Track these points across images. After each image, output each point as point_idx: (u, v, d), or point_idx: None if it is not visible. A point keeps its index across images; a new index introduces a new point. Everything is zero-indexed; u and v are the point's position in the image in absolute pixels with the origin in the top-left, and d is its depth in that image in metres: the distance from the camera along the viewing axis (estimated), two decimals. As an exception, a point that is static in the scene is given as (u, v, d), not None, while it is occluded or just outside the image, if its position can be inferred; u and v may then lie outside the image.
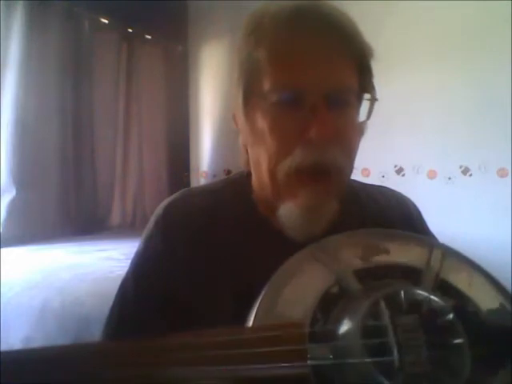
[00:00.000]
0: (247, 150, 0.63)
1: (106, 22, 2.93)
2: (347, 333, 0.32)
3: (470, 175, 2.29)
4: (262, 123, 0.55)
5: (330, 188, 0.55)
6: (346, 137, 0.56)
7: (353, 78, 0.56)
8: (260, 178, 0.61)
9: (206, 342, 0.33)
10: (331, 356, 0.31)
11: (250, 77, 0.56)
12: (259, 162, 0.58)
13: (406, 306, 0.33)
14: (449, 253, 0.42)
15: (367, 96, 0.58)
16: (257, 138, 0.57)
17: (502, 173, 2.20)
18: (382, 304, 0.33)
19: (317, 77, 0.53)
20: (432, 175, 2.40)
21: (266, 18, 0.55)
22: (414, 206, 0.72)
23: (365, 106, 0.60)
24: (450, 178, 2.35)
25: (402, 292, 0.34)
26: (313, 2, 0.55)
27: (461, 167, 2.31)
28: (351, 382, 0.30)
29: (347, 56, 0.54)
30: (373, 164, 2.56)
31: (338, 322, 0.32)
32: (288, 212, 0.55)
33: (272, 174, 0.56)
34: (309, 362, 0.31)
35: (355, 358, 0.30)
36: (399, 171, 2.52)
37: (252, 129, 0.58)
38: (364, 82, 0.57)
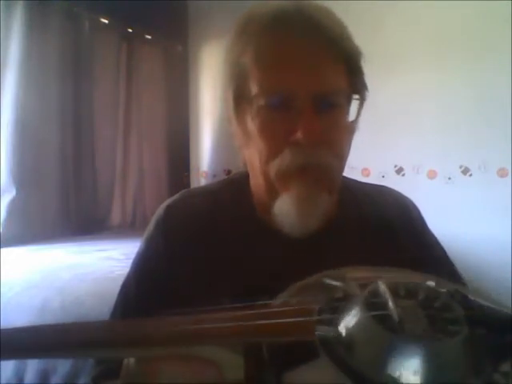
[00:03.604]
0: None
1: (106, 22, 2.93)
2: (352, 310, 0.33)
3: (470, 175, 2.29)
4: (251, 126, 0.56)
5: (321, 182, 0.56)
6: (334, 138, 0.56)
7: (341, 80, 0.56)
8: (255, 178, 0.62)
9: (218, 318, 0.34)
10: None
11: (238, 81, 0.57)
12: (252, 163, 0.59)
13: (404, 293, 0.34)
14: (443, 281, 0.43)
15: (356, 96, 0.58)
16: (248, 140, 0.58)
17: (501, 173, 2.20)
18: (382, 285, 0.34)
19: (303, 80, 0.53)
20: (432, 175, 2.40)
21: (253, 21, 0.56)
22: (414, 205, 0.72)
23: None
24: (449, 178, 2.35)
25: (401, 281, 0.35)
26: (299, 4, 0.55)
27: (461, 167, 2.31)
28: (358, 353, 0.31)
29: (334, 58, 0.55)
30: (373, 164, 2.56)
31: (343, 312, 0.33)
32: (283, 205, 0.56)
33: (264, 173, 0.57)
34: (316, 333, 0.32)
35: (360, 327, 0.31)
36: (399, 171, 2.52)
37: (243, 131, 0.59)
38: (354, 82, 0.57)
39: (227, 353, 0.33)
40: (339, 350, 0.31)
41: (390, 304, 0.32)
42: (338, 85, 0.55)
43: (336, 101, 0.55)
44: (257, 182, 0.62)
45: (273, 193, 0.57)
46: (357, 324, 0.32)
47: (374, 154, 2.49)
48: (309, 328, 0.33)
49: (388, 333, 0.30)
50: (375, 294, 0.34)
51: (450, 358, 0.30)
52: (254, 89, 0.55)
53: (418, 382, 0.28)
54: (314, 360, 0.31)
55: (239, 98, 0.57)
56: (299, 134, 0.52)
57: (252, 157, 0.59)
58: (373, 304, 0.33)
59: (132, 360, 0.34)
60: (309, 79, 0.53)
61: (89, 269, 1.86)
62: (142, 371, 0.33)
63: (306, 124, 0.52)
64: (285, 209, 0.56)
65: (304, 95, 0.53)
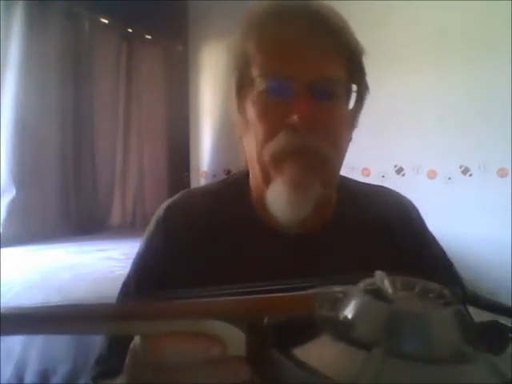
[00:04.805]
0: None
1: (106, 22, 2.94)
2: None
3: (470, 175, 2.29)
4: (251, 111, 0.57)
5: (315, 168, 0.56)
6: (331, 126, 0.56)
7: (340, 71, 0.57)
8: (252, 167, 0.62)
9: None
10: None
11: (241, 67, 0.58)
12: (251, 151, 0.60)
13: (401, 287, 0.35)
14: None
15: (354, 88, 0.59)
16: (248, 128, 0.59)
17: (501, 173, 2.20)
18: (378, 272, 0.35)
19: (302, 65, 0.54)
20: (432, 175, 2.40)
21: (258, 13, 0.58)
22: (413, 205, 0.72)
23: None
24: (449, 178, 2.35)
25: (398, 277, 0.36)
26: (305, 2, 0.57)
27: (461, 167, 2.31)
28: (357, 327, 0.31)
29: (334, 49, 0.56)
30: (373, 164, 2.56)
31: (342, 304, 0.34)
32: (276, 190, 0.56)
33: (259, 157, 0.57)
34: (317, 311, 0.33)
35: (358, 306, 0.32)
36: (399, 171, 2.52)
37: (244, 118, 0.60)
38: (353, 76, 0.58)
39: (231, 329, 0.33)
40: (340, 327, 0.32)
41: (386, 283, 0.33)
42: (336, 74, 0.56)
43: (333, 90, 0.56)
44: (254, 172, 0.62)
45: (267, 178, 0.57)
46: (356, 306, 0.32)
47: (374, 154, 2.49)
48: (311, 303, 0.34)
49: (384, 303, 0.31)
50: (373, 284, 0.34)
51: (442, 328, 0.30)
52: (254, 72, 0.56)
53: (414, 349, 0.29)
54: (316, 338, 0.32)
55: (241, 86, 0.59)
56: (295, 117, 0.53)
57: (250, 144, 0.59)
58: (371, 289, 0.34)
59: (137, 340, 0.35)
60: (308, 65, 0.55)
61: (89, 269, 1.86)
62: (146, 349, 0.33)
63: (302, 108, 0.53)
64: (277, 192, 0.56)
65: (302, 80, 0.54)
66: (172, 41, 3.38)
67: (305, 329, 0.33)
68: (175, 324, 0.33)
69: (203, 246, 0.62)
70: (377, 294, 0.32)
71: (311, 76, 0.54)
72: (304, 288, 0.36)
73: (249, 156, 0.62)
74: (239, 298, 0.34)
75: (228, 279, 0.59)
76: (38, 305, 0.33)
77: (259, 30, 0.56)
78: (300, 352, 0.32)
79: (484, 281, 1.99)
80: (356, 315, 0.32)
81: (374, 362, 0.28)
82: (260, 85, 0.56)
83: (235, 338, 0.33)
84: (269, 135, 0.55)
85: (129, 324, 0.33)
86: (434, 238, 0.71)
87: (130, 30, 3.11)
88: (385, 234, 0.65)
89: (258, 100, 0.56)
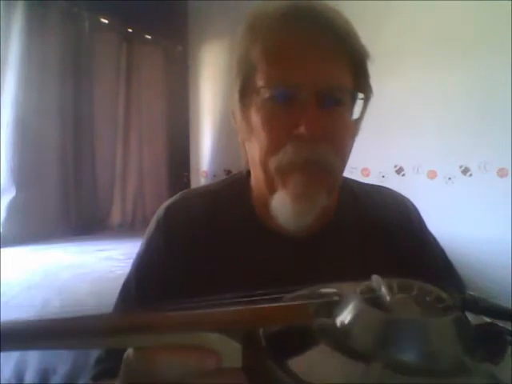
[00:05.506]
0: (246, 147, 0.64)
1: (106, 22, 2.93)
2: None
3: (470, 175, 2.29)
4: (255, 119, 0.56)
5: (321, 179, 0.55)
6: (337, 135, 0.56)
7: (346, 78, 0.56)
8: (255, 173, 0.62)
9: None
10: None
11: (245, 73, 0.57)
12: (254, 157, 0.59)
13: (398, 289, 0.35)
14: None
15: (361, 95, 0.58)
16: (252, 134, 0.58)
17: (501, 173, 2.20)
18: (376, 277, 0.35)
19: (308, 74, 0.53)
20: (432, 175, 2.40)
21: (263, 16, 0.56)
22: (413, 205, 0.72)
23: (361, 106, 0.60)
24: (449, 178, 2.34)
25: (395, 279, 0.36)
26: (309, 2, 0.56)
27: (461, 167, 2.31)
28: (355, 336, 0.31)
29: (340, 55, 0.55)
30: (373, 164, 2.56)
31: (339, 308, 0.34)
32: (280, 201, 0.56)
33: (264, 166, 0.56)
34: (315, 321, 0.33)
35: (356, 314, 0.32)
36: (399, 171, 2.52)
37: (247, 124, 0.59)
38: (359, 82, 0.58)
39: (227, 341, 0.33)
40: (337, 336, 0.31)
41: (383, 290, 0.33)
42: (342, 82, 0.55)
43: (340, 98, 0.55)
44: (257, 178, 0.62)
45: (272, 187, 0.57)
46: (353, 313, 0.32)
47: (374, 154, 2.48)
48: (307, 312, 0.33)
49: (382, 313, 0.31)
50: (370, 289, 0.34)
51: (441, 337, 0.30)
52: (259, 81, 0.55)
53: (413, 359, 0.29)
54: (313, 348, 0.32)
55: (245, 92, 0.58)
56: (302, 129, 0.52)
57: (254, 151, 0.59)
58: (368, 296, 0.33)
59: (131, 351, 0.34)
60: (314, 74, 0.53)
61: (89, 269, 1.86)
62: (140, 361, 0.33)
63: (310, 118, 0.52)
64: (281, 202, 0.56)
65: (308, 89, 0.53)
66: (172, 41, 3.38)
67: (302, 338, 0.32)
68: (170, 337, 0.32)
69: (203, 246, 0.62)
70: (374, 301, 0.32)
71: (318, 84, 0.53)
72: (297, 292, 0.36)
73: (252, 160, 0.61)
74: (234, 309, 0.33)
75: (228, 279, 0.59)
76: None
77: (264, 38, 0.55)
78: (297, 363, 0.31)
79: (484, 281, 1.99)
80: (353, 324, 0.31)
81: (372, 376, 0.28)
82: (265, 93, 0.55)
83: (231, 350, 0.33)
84: (275, 146, 0.55)
85: (124, 337, 0.32)
86: (434, 238, 0.71)
87: (130, 30, 3.11)
88: (385, 234, 0.65)
89: (264, 108, 0.55)
